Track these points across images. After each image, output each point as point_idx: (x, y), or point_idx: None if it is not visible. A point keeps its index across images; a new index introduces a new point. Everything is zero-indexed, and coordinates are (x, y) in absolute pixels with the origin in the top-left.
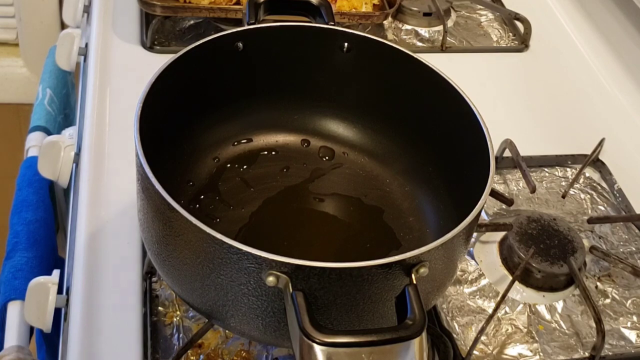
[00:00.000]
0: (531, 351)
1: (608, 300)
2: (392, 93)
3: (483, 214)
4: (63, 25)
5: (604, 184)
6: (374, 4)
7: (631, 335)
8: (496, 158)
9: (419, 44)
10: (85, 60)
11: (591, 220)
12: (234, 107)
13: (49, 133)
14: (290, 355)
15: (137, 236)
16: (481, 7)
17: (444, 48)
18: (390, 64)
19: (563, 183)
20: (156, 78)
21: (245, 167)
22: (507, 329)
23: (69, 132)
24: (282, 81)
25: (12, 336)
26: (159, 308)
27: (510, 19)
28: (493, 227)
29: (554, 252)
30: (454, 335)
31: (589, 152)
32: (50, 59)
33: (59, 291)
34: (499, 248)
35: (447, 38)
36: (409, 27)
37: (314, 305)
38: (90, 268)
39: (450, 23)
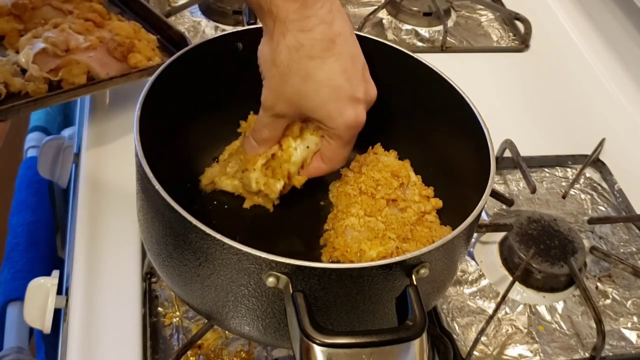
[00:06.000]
0: (531, 352)
1: (608, 301)
2: (391, 93)
3: (483, 214)
4: None
5: (604, 185)
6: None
7: (631, 335)
8: (496, 158)
9: (419, 43)
10: None
11: (591, 221)
12: (234, 107)
13: (48, 133)
14: (290, 356)
15: (136, 236)
16: (481, 7)
17: (444, 48)
18: (390, 64)
19: (563, 183)
20: (156, 78)
21: None
22: (508, 330)
23: (69, 133)
24: None
25: (12, 337)
26: (159, 309)
27: (510, 19)
28: (493, 227)
29: (555, 253)
30: (454, 336)
31: (589, 153)
32: None
33: (59, 292)
34: (499, 248)
35: (447, 38)
36: (409, 27)
37: (314, 306)
38: (89, 269)
39: (450, 23)
